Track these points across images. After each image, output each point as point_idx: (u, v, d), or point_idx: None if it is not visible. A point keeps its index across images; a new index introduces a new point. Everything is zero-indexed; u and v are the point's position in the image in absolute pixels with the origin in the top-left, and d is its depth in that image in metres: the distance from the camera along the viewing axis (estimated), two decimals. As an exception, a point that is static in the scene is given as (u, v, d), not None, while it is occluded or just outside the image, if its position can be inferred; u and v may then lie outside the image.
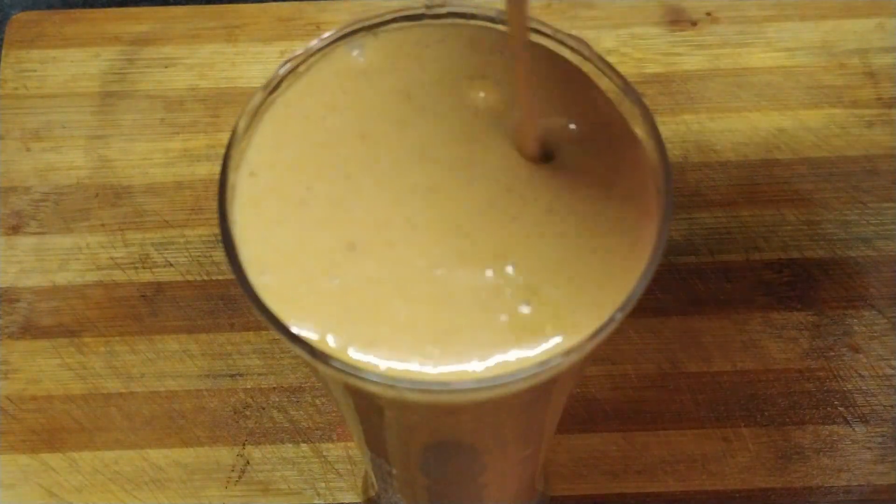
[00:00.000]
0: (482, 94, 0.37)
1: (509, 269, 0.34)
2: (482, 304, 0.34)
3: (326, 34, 0.39)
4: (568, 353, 0.33)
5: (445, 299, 0.34)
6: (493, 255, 0.34)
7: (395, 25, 0.39)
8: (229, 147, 0.36)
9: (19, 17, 0.70)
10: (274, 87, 0.38)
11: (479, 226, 0.35)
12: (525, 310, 0.34)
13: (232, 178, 0.36)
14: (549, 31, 0.39)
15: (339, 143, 0.36)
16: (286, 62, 0.38)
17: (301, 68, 0.38)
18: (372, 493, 0.53)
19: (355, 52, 0.39)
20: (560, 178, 0.36)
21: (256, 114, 0.37)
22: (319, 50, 0.38)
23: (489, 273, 0.34)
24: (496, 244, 0.35)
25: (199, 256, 0.62)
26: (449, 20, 0.39)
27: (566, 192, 0.36)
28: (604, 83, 0.38)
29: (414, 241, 0.35)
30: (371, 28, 0.39)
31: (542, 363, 0.33)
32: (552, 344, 0.33)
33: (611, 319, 0.34)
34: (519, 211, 0.35)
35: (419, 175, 0.36)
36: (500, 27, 0.39)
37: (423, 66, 0.38)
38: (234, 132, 0.36)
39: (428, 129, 0.37)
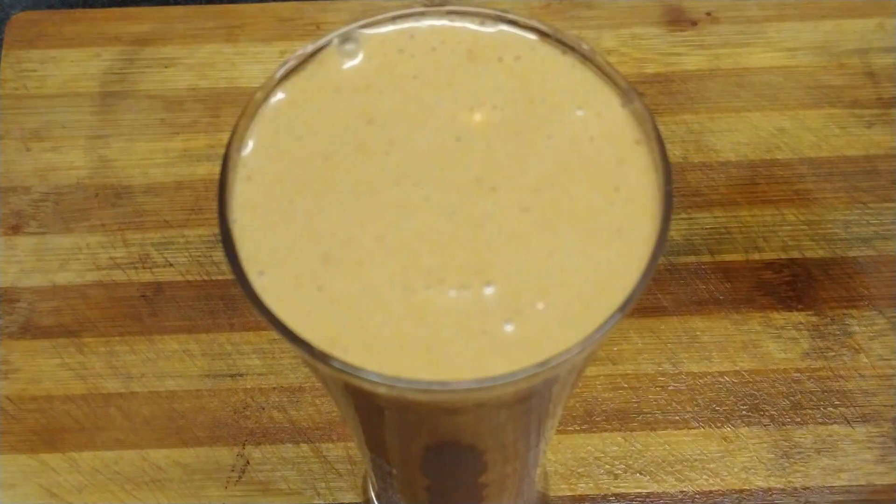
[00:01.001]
0: (465, 116, 0.37)
1: (489, 291, 0.34)
2: (463, 324, 0.34)
3: (325, 37, 0.38)
4: (567, 352, 0.33)
5: (425, 318, 0.34)
6: (470, 273, 0.34)
7: (387, 29, 0.39)
8: (229, 147, 0.36)
9: (19, 17, 0.70)
10: (270, 90, 0.38)
11: (449, 243, 0.35)
12: (509, 328, 0.34)
13: (231, 178, 0.36)
14: (548, 31, 0.39)
15: (309, 163, 0.37)
16: (283, 65, 0.38)
17: (297, 71, 0.38)
18: (372, 494, 0.53)
19: (344, 62, 0.39)
20: (544, 174, 0.36)
21: (254, 118, 0.37)
22: (313, 54, 0.38)
23: (466, 294, 0.34)
24: (471, 261, 0.35)
25: (199, 256, 0.62)
26: (449, 22, 0.39)
27: (550, 189, 0.36)
28: (604, 83, 0.38)
29: (381, 261, 0.35)
30: (365, 27, 0.39)
31: (542, 363, 0.33)
32: (540, 359, 0.33)
33: (607, 323, 0.34)
34: (492, 210, 0.35)
35: (376, 201, 0.36)
36: (506, 28, 0.39)
37: (400, 84, 0.38)
38: (233, 134, 0.37)
39: (387, 158, 0.37)
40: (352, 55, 0.39)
